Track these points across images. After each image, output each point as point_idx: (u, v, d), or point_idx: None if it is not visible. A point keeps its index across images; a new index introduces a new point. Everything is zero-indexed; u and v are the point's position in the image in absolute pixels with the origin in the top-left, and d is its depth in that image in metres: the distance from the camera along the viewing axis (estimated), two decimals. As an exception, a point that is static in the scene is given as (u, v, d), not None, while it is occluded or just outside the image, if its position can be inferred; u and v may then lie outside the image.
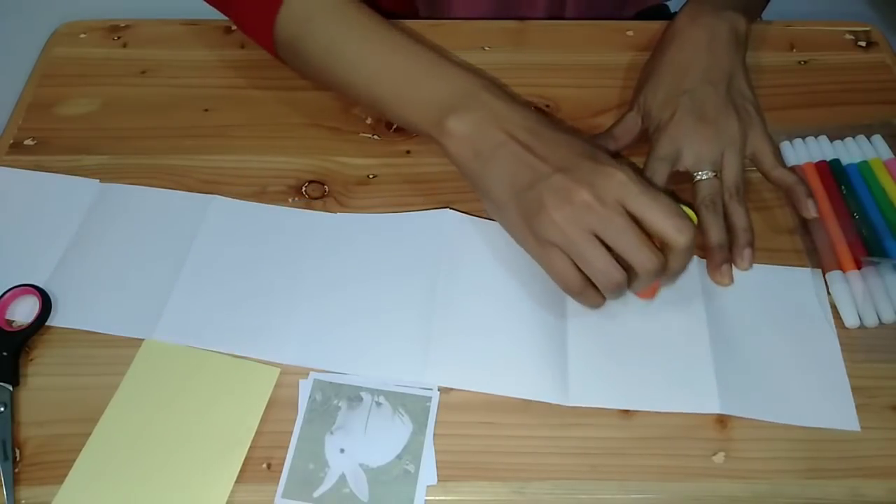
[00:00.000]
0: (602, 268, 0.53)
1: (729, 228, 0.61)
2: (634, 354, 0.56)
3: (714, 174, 0.62)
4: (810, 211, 0.61)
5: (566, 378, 0.55)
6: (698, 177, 0.62)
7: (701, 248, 0.61)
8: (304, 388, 0.55)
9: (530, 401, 0.55)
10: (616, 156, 0.65)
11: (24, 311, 0.58)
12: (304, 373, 0.55)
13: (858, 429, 0.53)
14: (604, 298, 0.55)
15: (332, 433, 0.53)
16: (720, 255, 0.59)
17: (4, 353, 0.55)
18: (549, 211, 0.53)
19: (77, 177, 0.65)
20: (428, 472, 0.51)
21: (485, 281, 0.59)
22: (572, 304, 0.57)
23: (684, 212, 0.54)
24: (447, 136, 0.57)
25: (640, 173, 0.61)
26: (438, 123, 0.58)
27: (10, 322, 0.58)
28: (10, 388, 0.54)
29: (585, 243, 0.52)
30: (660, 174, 0.62)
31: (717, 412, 0.53)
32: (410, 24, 0.77)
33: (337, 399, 0.54)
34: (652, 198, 0.52)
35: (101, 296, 0.59)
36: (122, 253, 0.61)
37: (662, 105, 0.65)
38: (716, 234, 0.60)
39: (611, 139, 0.66)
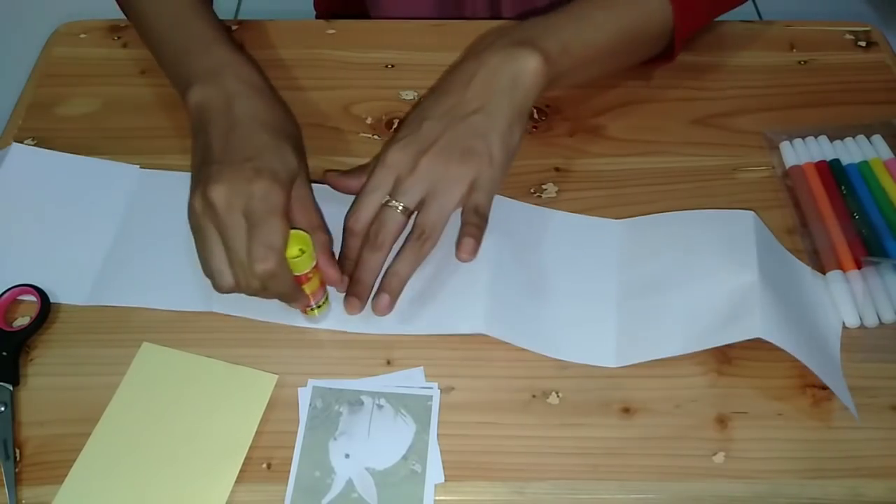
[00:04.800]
0: (212, 266, 0.54)
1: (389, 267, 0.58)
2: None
3: (403, 208, 0.57)
4: (461, 253, 0.57)
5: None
6: (387, 202, 0.58)
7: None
8: (304, 396, 0.55)
9: (530, 400, 0.55)
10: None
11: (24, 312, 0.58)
12: (303, 379, 0.55)
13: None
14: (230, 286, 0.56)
15: (335, 439, 0.53)
16: (356, 288, 0.57)
17: (4, 353, 0.55)
18: (192, 197, 0.56)
19: (117, 161, 0.67)
20: (435, 471, 0.52)
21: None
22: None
23: (273, 242, 0.53)
24: (186, 104, 0.61)
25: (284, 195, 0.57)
26: (184, 94, 0.62)
27: (9, 322, 0.58)
28: (10, 388, 0.54)
29: (206, 237, 0.55)
30: (368, 207, 0.59)
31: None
32: (419, 24, 0.77)
33: (338, 405, 0.54)
34: (260, 218, 0.53)
35: (155, 274, 0.60)
36: (169, 234, 0.61)
37: (402, 127, 0.62)
38: (361, 271, 0.58)
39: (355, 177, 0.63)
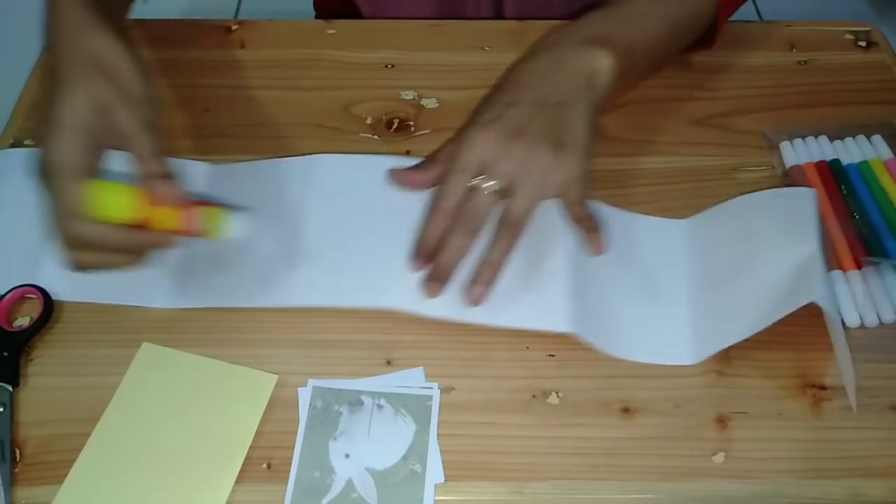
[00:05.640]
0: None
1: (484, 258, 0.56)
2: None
3: (496, 190, 0.56)
4: (594, 249, 0.58)
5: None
6: (477, 184, 0.56)
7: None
8: (304, 396, 0.55)
9: (530, 400, 0.55)
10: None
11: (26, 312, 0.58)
12: (303, 379, 0.55)
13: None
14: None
15: (335, 439, 0.53)
16: (439, 271, 0.56)
17: (5, 354, 0.55)
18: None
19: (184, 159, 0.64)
20: (435, 471, 0.51)
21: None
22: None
23: (65, 205, 0.51)
24: None
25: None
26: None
27: (10, 322, 0.58)
28: (10, 389, 0.54)
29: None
30: (458, 186, 0.57)
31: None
32: (419, 24, 0.77)
33: (338, 405, 0.54)
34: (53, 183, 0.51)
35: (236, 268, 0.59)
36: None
37: (484, 111, 0.60)
38: (447, 254, 0.56)
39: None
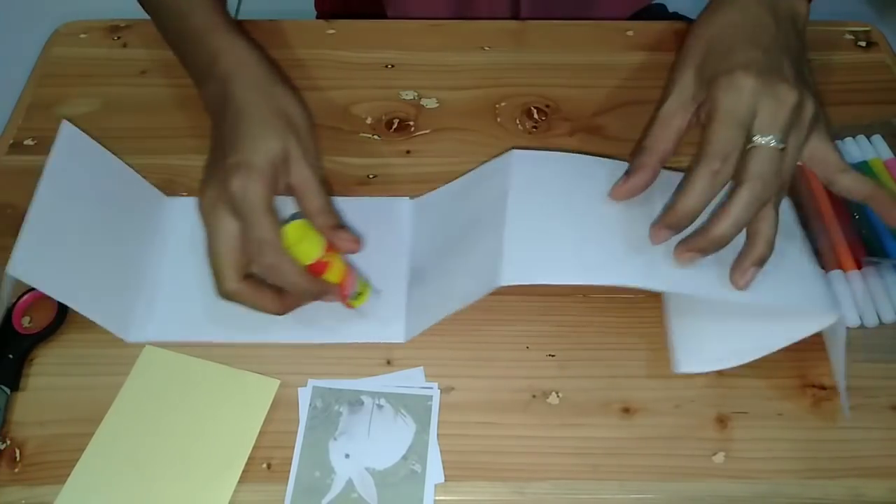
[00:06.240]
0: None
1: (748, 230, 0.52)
2: None
3: (782, 147, 0.51)
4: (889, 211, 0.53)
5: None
6: (760, 141, 0.50)
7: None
8: (304, 396, 0.55)
9: (530, 400, 0.55)
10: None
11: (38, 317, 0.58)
12: (303, 379, 0.55)
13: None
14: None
15: (335, 439, 0.53)
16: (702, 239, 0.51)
17: (10, 356, 0.55)
18: (200, 193, 0.56)
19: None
20: (435, 471, 0.52)
21: None
22: None
23: (262, 235, 0.52)
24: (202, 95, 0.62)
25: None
26: (199, 85, 0.63)
27: (23, 324, 0.58)
28: (8, 392, 0.54)
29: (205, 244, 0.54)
30: (731, 138, 0.51)
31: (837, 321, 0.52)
32: (419, 24, 0.77)
33: (338, 405, 0.54)
34: (245, 216, 0.52)
35: (205, 307, 0.58)
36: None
37: (728, 61, 0.54)
38: (728, 219, 0.50)
39: (646, 153, 0.56)
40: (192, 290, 0.59)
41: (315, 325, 0.57)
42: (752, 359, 0.54)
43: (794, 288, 0.53)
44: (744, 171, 0.51)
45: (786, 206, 0.58)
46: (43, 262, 0.54)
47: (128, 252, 0.60)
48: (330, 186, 0.62)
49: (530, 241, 0.53)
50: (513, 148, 0.59)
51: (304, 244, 0.54)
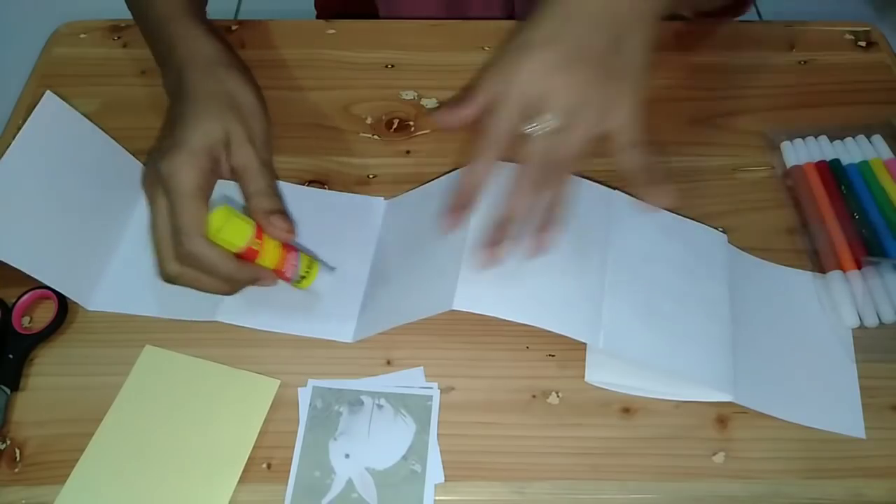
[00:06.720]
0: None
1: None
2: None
3: (556, 127, 0.50)
4: (661, 197, 0.51)
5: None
6: (533, 128, 0.50)
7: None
8: (304, 396, 0.55)
9: (530, 400, 0.55)
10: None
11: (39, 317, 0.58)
12: (303, 379, 0.55)
13: (864, 436, 0.53)
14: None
15: (335, 439, 0.53)
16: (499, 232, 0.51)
17: (10, 356, 0.55)
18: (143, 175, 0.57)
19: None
20: (435, 471, 0.52)
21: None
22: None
23: (183, 222, 0.51)
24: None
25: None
26: (162, 73, 0.63)
27: (23, 324, 0.58)
28: (8, 392, 0.54)
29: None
30: (502, 128, 0.50)
31: (730, 401, 0.53)
32: (419, 24, 0.77)
33: (338, 405, 0.54)
34: (173, 199, 0.52)
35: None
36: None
37: (536, 26, 0.52)
38: (511, 205, 0.50)
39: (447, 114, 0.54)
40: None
41: (266, 310, 0.57)
42: (657, 397, 0.55)
43: (706, 368, 0.54)
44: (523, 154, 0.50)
45: (723, 293, 0.58)
46: None
47: (100, 222, 0.60)
48: (275, 173, 0.60)
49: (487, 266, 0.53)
50: None
51: (226, 232, 0.52)
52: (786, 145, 0.68)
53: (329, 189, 0.65)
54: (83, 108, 0.70)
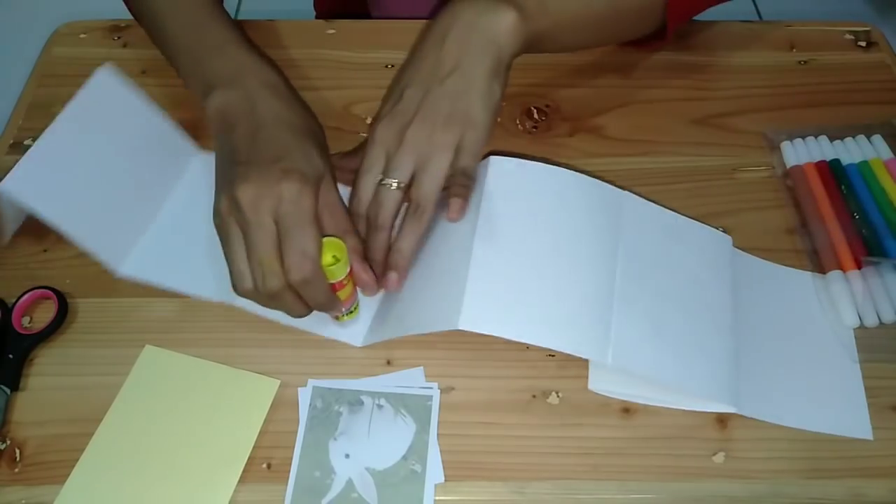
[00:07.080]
0: (233, 268, 0.53)
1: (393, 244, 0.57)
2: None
3: (397, 184, 0.56)
4: (450, 213, 0.56)
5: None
6: (381, 181, 0.57)
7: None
8: (304, 396, 0.55)
9: (530, 400, 0.55)
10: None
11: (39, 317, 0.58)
12: (303, 379, 0.55)
13: (871, 437, 0.53)
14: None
15: (335, 439, 0.53)
16: (368, 269, 0.57)
17: (10, 356, 0.55)
18: (217, 198, 0.54)
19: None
20: (435, 471, 0.52)
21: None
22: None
23: (307, 249, 0.52)
24: (206, 108, 0.60)
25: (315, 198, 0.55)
26: (203, 98, 0.61)
27: (24, 324, 0.58)
28: (8, 392, 0.54)
29: (231, 239, 0.53)
30: (365, 188, 0.57)
31: (734, 412, 0.54)
32: (419, 24, 0.77)
33: (338, 405, 0.54)
34: (293, 224, 0.52)
35: (187, 258, 0.59)
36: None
37: (384, 101, 0.60)
38: (370, 252, 0.57)
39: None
40: (190, 243, 0.60)
41: None
42: (660, 405, 0.55)
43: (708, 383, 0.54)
44: (373, 205, 0.57)
45: (727, 299, 0.58)
46: (39, 184, 0.54)
47: (141, 193, 0.61)
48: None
49: (494, 282, 0.53)
50: (489, 154, 0.59)
51: (340, 265, 0.53)
52: (786, 145, 0.68)
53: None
54: (83, 108, 0.71)
